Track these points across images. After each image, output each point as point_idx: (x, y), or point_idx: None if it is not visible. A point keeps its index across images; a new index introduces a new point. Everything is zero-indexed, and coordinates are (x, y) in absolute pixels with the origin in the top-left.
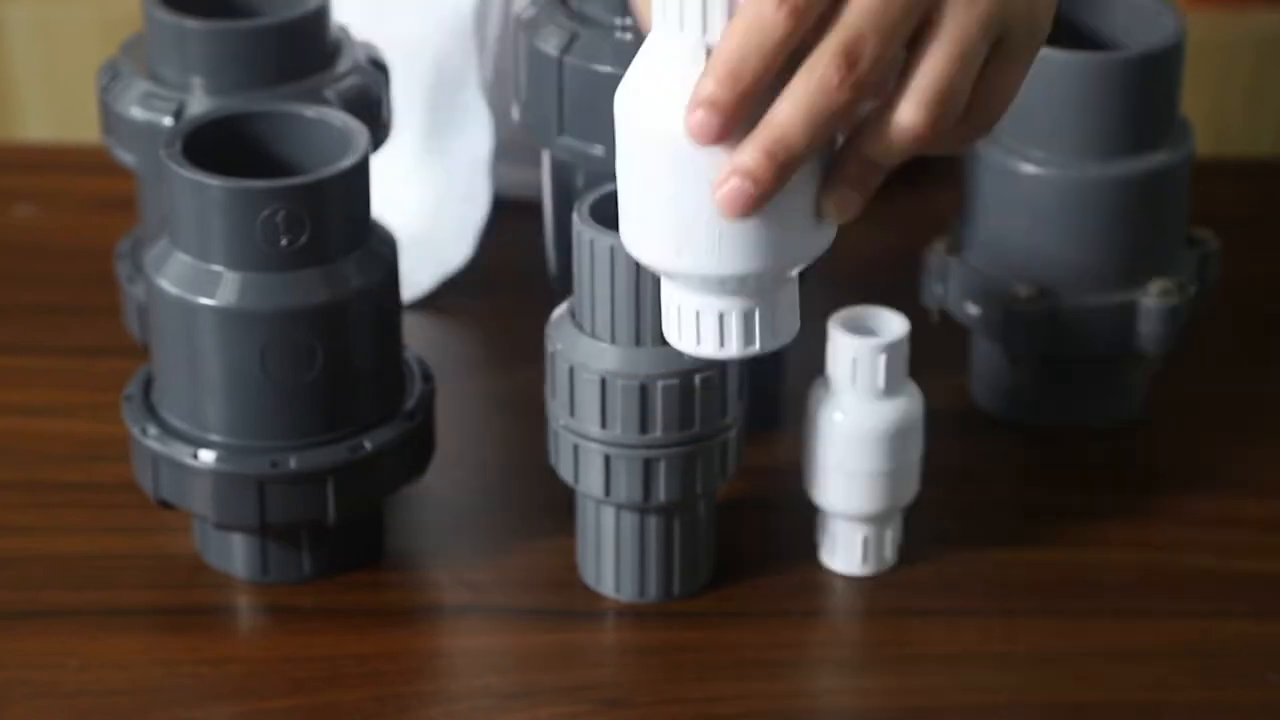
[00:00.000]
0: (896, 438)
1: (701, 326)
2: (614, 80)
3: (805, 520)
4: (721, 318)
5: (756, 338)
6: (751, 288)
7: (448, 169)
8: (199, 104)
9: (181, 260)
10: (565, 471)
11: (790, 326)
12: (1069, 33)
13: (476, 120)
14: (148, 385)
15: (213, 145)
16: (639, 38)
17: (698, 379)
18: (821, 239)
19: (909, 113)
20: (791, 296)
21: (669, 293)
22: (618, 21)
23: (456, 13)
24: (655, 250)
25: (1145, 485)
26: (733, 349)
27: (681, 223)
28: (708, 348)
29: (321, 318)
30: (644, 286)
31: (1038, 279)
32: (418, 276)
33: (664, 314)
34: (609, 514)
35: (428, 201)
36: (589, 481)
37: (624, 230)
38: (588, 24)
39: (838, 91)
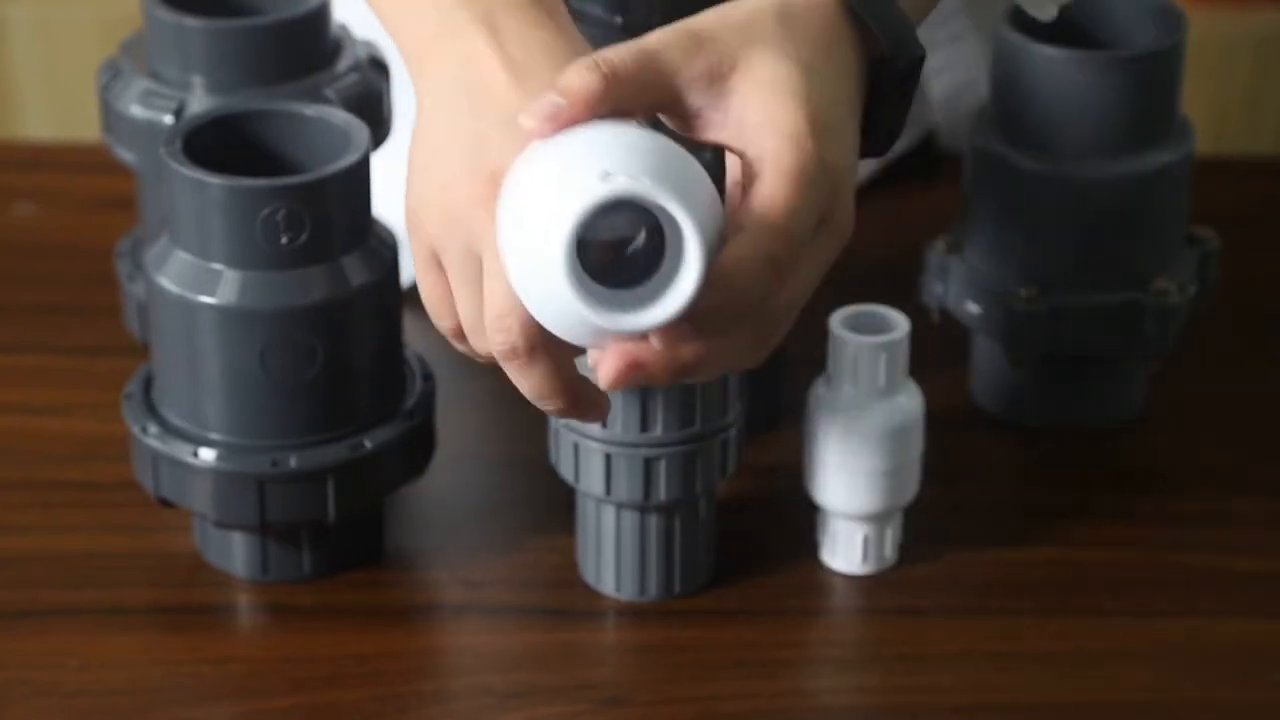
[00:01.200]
0: (896, 437)
1: None
2: None
3: (806, 519)
4: None
5: None
6: None
7: None
8: (199, 102)
9: (182, 259)
10: (566, 470)
11: None
12: (1069, 33)
13: None
14: (148, 384)
15: (213, 144)
16: (637, 34)
17: None
18: None
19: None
20: None
21: None
22: (617, 19)
23: None
24: None
25: (1145, 485)
26: None
27: None
28: None
29: (322, 316)
30: None
31: (1038, 279)
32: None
33: None
34: (609, 513)
35: None
36: (589, 480)
37: None
38: (587, 22)
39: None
